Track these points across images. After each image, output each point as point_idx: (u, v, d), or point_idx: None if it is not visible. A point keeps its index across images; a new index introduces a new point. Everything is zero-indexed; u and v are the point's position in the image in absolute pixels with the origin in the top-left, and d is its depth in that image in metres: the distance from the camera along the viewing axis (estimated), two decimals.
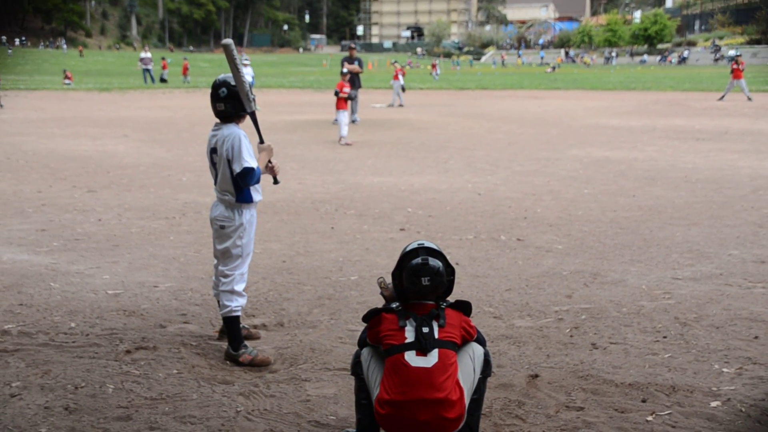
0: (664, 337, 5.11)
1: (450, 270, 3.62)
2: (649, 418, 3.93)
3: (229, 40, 4.65)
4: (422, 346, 3.37)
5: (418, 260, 3.53)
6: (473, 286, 6.34)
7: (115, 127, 19.64)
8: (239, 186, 4.66)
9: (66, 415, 3.96)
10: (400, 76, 28.78)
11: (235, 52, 4.60)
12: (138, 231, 8.34)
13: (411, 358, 3.37)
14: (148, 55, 43.54)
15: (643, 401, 4.13)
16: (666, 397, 4.18)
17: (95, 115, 23.39)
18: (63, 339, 5.07)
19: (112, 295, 6.07)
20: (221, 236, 4.76)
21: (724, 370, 4.56)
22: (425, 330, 3.41)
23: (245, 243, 4.77)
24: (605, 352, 4.88)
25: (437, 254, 3.59)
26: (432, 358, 3.36)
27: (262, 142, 4.81)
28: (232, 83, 4.65)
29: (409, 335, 3.41)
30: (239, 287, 4.80)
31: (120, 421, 3.90)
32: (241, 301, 4.81)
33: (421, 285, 3.50)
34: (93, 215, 9.12)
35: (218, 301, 4.92)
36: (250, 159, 4.56)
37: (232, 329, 4.79)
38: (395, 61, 31.51)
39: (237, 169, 4.55)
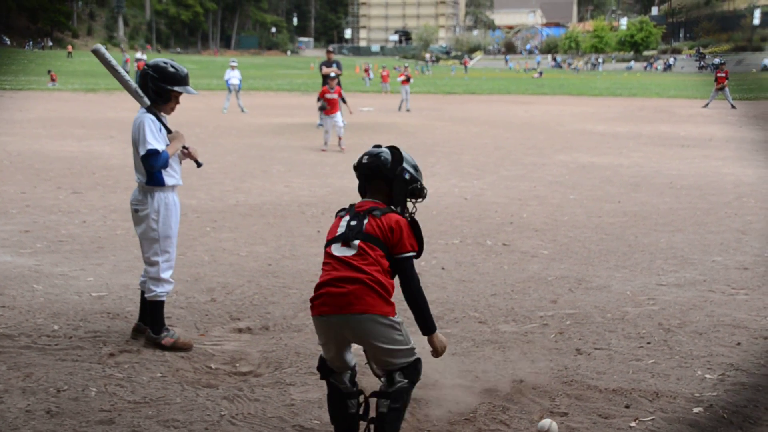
0: (648, 343, 5.13)
1: (402, 170, 3.61)
2: (633, 424, 3.95)
3: (98, 46, 4.73)
4: (346, 237, 3.50)
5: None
6: (459, 290, 6.35)
7: (101, 128, 19.53)
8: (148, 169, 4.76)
9: (48, 418, 3.93)
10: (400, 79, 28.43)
11: (107, 54, 4.67)
12: (123, 233, 8.29)
13: (336, 248, 3.51)
14: (144, 57, 43.63)
15: (627, 407, 4.15)
16: (649, 403, 4.20)
17: (81, 116, 23.25)
18: (46, 341, 5.03)
19: (96, 297, 6.03)
20: (136, 220, 4.91)
21: (707, 376, 4.59)
22: (353, 223, 3.52)
23: (161, 227, 4.82)
24: (589, 357, 4.90)
25: (399, 155, 3.64)
26: (353, 249, 3.46)
27: (169, 131, 4.83)
28: (150, 72, 4.75)
29: (341, 229, 3.55)
30: (166, 275, 4.90)
31: (102, 424, 3.88)
32: (168, 288, 4.94)
33: (360, 162, 3.66)
34: (77, 217, 9.06)
35: (142, 290, 5.04)
36: (154, 142, 4.65)
37: (155, 313, 4.91)
38: (406, 66, 31.56)
39: (141, 151, 4.66)
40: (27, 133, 18.37)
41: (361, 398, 3.63)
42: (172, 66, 4.80)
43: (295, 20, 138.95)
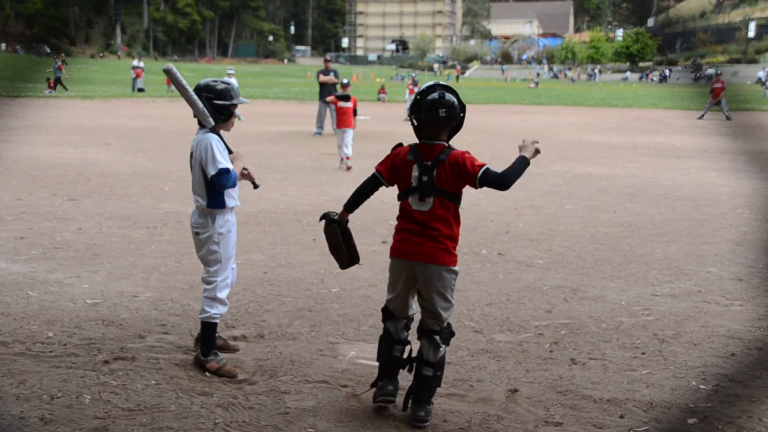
0: (643, 354, 5.14)
1: (462, 106, 4.02)
2: None
3: (169, 65, 4.73)
4: (421, 192, 3.98)
5: (435, 95, 3.96)
6: (454, 299, 6.33)
7: (98, 136, 19.52)
8: (211, 191, 4.71)
9: (41, 425, 3.92)
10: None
11: (178, 74, 4.66)
12: (118, 240, 8.29)
13: (413, 201, 4.03)
14: (141, 64, 43.56)
15: (621, 417, 4.15)
16: (643, 413, 4.20)
17: (77, 123, 23.23)
18: (40, 348, 5.02)
19: (90, 304, 6.02)
20: (197, 243, 4.85)
21: (702, 386, 4.60)
22: (425, 178, 3.96)
23: (223, 249, 4.78)
24: (584, 367, 4.90)
25: (451, 91, 4.01)
26: (428, 205, 3.98)
27: (230, 152, 4.84)
28: (205, 93, 4.76)
29: (414, 181, 4.01)
30: (222, 294, 4.82)
31: None
32: (222, 309, 4.84)
33: (438, 117, 3.94)
34: (73, 224, 9.06)
35: None
36: (223, 160, 4.62)
37: (206, 334, 4.82)
38: (413, 75, 31.61)
39: (212, 171, 4.59)
40: (23, 139, 18.34)
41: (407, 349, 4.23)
42: (222, 82, 4.83)
43: (292, 29, 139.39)
